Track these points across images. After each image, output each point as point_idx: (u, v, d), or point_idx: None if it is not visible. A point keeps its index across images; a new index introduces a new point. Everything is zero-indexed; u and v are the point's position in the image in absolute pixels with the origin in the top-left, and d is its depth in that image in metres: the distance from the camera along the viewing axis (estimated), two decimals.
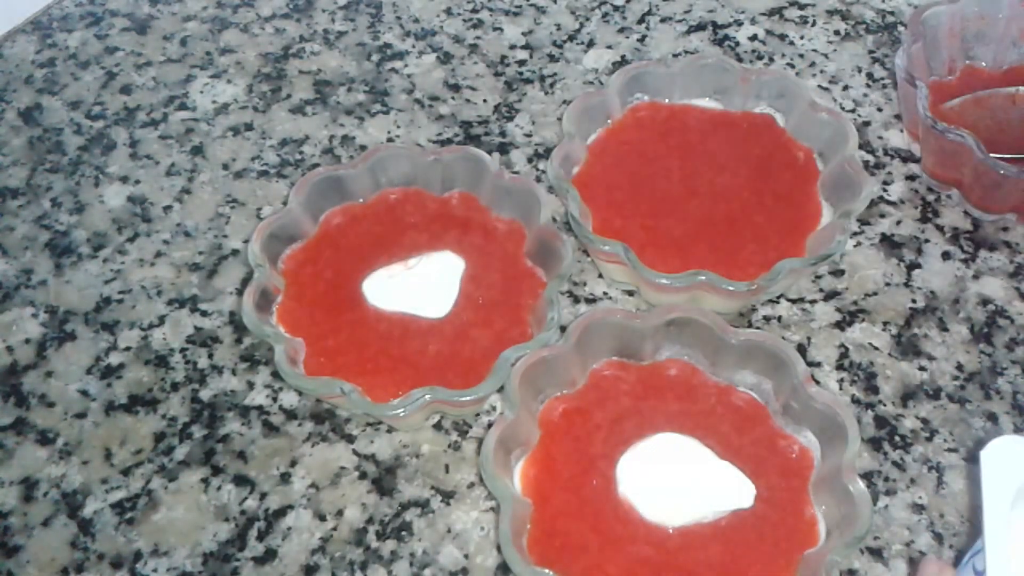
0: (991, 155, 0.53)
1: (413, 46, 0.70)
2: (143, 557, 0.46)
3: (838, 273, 0.56)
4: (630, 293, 0.55)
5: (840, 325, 0.54)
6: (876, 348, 0.53)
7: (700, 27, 0.71)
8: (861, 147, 0.61)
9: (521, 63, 0.69)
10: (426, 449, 0.50)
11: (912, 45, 0.59)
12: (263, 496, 0.48)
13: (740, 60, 0.68)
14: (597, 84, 0.67)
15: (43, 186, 0.63)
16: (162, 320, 0.55)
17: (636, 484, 0.44)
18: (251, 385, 0.52)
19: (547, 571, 0.40)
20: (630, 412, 0.47)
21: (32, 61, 0.71)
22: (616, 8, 0.73)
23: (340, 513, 0.48)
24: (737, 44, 0.69)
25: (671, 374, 0.49)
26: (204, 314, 0.56)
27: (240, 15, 0.74)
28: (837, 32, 0.70)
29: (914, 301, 0.55)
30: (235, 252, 0.59)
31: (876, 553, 0.45)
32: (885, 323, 0.54)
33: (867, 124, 0.63)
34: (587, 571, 0.42)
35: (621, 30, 0.71)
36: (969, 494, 0.47)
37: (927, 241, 0.57)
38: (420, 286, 0.52)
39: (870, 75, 0.67)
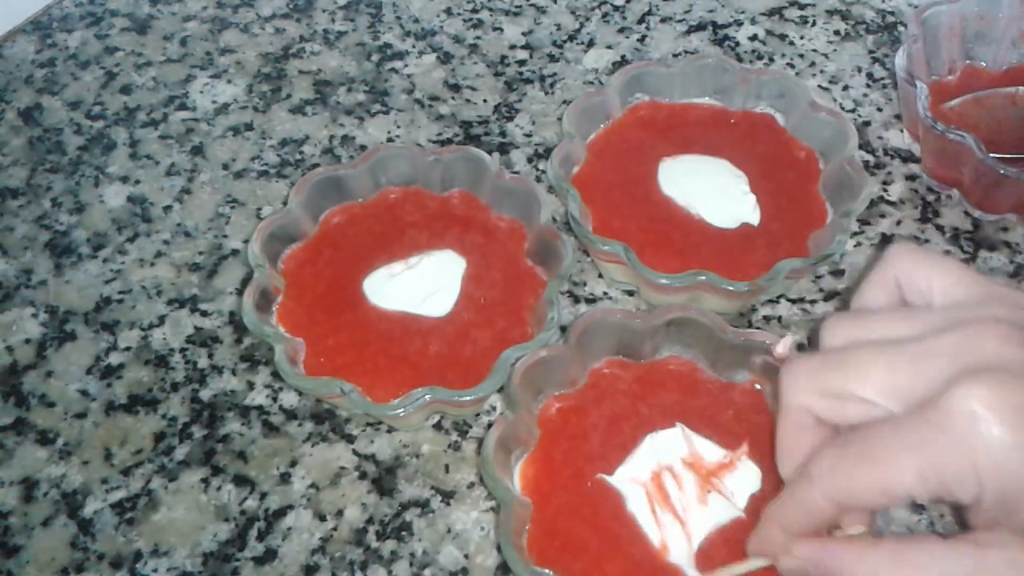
0: (991, 155, 0.53)
1: (413, 46, 0.70)
2: (143, 557, 0.46)
3: (838, 273, 0.56)
4: (630, 293, 0.55)
5: None
6: None
7: (700, 27, 0.71)
8: (861, 147, 0.61)
9: (521, 63, 0.69)
10: (426, 449, 0.50)
11: (912, 45, 0.59)
12: (263, 496, 0.48)
13: (740, 60, 0.68)
14: (597, 84, 0.67)
15: (43, 186, 0.63)
16: (162, 320, 0.55)
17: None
18: (251, 385, 0.52)
19: (547, 571, 0.40)
20: (629, 411, 0.47)
21: (32, 61, 0.71)
22: (616, 8, 0.73)
23: (340, 513, 0.48)
24: (737, 44, 0.69)
25: (671, 373, 0.48)
26: (204, 314, 0.56)
27: (240, 15, 0.74)
28: (837, 32, 0.70)
29: None
30: (235, 252, 0.59)
31: None
32: None
33: (867, 124, 0.63)
34: (587, 571, 0.42)
35: (621, 30, 0.71)
36: None
37: (927, 241, 0.57)
38: (421, 285, 0.52)
39: (870, 75, 0.67)
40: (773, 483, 0.44)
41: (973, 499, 0.30)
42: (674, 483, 0.44)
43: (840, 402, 0.34)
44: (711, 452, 0.45)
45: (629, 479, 0.44)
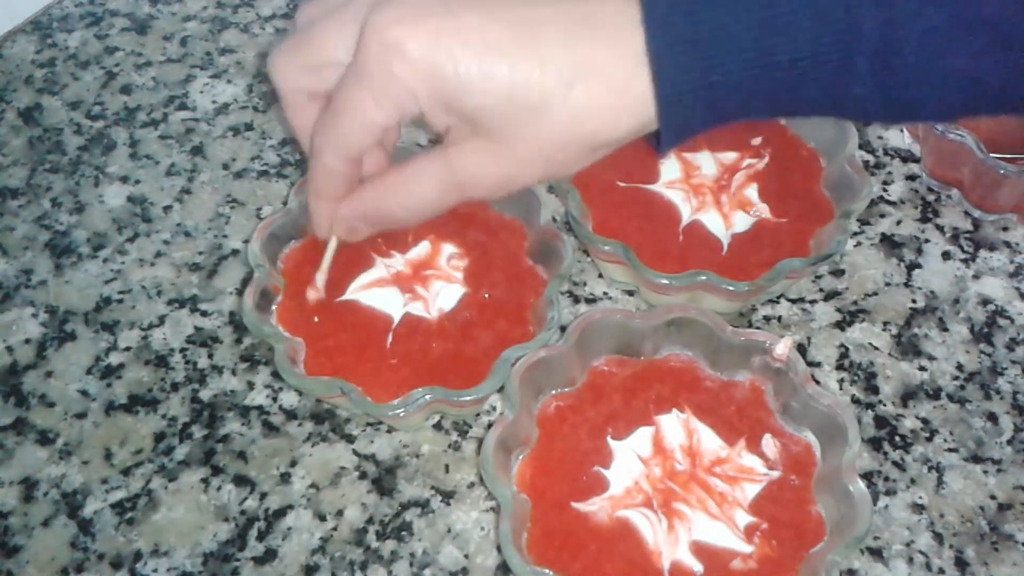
0: (991, 155, 0.53)
1: None
2: (143, 557, 0.46)
3: (838, 273, 0.56)
4: (630, 293, 0.55)
5: (840, 325, 0.54)
6: (876, 348, 0.53)
7: None
8: (861, 147, 0.61)
9: None
10: (426, 449, 0.50)
11: None
12: (263, 496, 0.48)
13: None
14: None
15: (43, 186, 0.63)
16: (162, 320, 0.55)
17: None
18: (251, 385, 0.52)
19: (547, 571, 0.40)
20: (628, 407, 0.47)
21: (32, 61, 0.71)
22: None
23: (340, 513, 0.48)
24: None
25: (670, 370, 0.48)
26: (204, 314, 0.56)
27: (240, 15, 0.74)
28: None
29: (914, 301, 0.55)
30: (235, 252, 0.59)
31: (876, 553, 0.45)
32: (885, 323, 0.54)
33: (867, 124, 0.63)
34: (587, 570, 0.42)
35: None
36: (968, 494, 0.47)
37: (927, 241, 0.57)
38: (421, 285, 0.52)
39: None
40: (770, 497, 0.44)
41: (420, 108, 0.36)
42: (672, 480, 0.44)
43: (319, 72, 0.38)
44: (711, 439, 0.45)
45: (626, 472, 0.45)
